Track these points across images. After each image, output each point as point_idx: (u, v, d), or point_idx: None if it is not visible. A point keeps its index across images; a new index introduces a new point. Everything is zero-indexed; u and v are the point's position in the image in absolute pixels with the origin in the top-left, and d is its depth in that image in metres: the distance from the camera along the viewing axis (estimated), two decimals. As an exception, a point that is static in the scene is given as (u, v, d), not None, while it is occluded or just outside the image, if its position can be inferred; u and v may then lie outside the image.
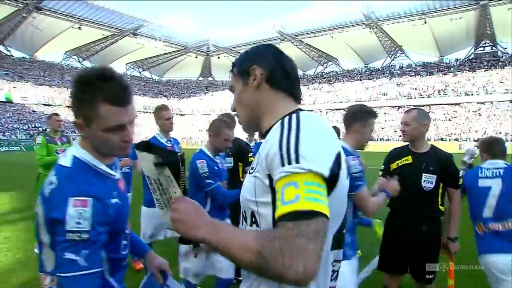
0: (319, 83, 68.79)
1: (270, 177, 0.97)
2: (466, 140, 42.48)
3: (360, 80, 65.22)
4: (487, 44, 60.03)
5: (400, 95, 57.40)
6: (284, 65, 1.14)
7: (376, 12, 56.26)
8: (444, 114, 52.04)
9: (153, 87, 78.97)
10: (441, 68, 61.03)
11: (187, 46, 73.70)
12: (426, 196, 2.77)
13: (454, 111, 52.35)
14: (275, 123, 1.05)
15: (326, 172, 0.91)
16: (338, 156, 0.96)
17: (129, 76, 78.05)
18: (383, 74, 65.00)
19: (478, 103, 52.58)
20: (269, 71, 1.13)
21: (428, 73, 60.61)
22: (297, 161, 0.90)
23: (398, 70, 65.30)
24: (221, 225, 0.95)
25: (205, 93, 77.93)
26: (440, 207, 2.87)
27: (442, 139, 44.14)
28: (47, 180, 1.23)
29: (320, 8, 63.17)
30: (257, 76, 1.13)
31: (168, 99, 71.08)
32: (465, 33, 57.07)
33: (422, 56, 65.61)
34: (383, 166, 3.09)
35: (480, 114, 50.89)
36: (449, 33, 56.57)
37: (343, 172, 0.99)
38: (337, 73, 71.13)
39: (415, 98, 55.42)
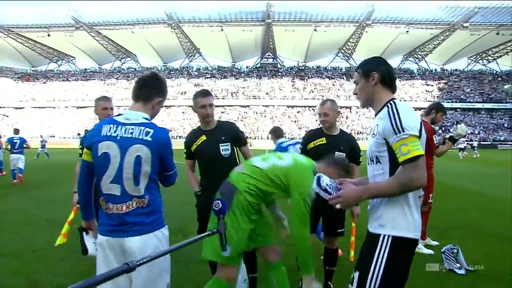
0: (117, 78, 67.82)
1: (385, 140, 1.88)
2: (255, 139, 49.67)
3: (159, 78, 67.46)
4: (270, 56, 71.22)
5: (197, 95, 61.94)
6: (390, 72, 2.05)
7: (178, 13, 58.65)
8: (237, 114, 58.87)
9: None
10: (233, 73, 68.94)
11: None
12: None
13: (245, 112, 60.63)
14: (382, 107, 1.97)
15: (417, 133, 1.80)
16: (421, 123, 1.85)
17: None
18: (182, 74, 69.38)
19: (263, 106, 61.78)
20: (382, 76, 2.02)
21: (223, 77, 67.42)
22: (403, 131, 1.79)
23: (195, 71, 70.94)
24: (367, 186, 1.94)
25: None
26: None
27: (235, 138, 49.84)
28: (135, 132, 2.07)
29: (121, 1, 61.50)
30: (375, 78, 2.01)
31: None
32: (253, 44, 66.51)
33: (217, 60, 73.15)
34: (301, 146, 3.72)
35: (265, 116, 59.91)
36: (241, 42, 64.94)
37: (423, 130, 1.87)
38: (135, 69, 71.38)
39: (211, 99, 61.14)
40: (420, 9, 54.49)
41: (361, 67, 2.10)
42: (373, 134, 1.97)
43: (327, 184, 2.03)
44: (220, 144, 3.30)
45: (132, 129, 2.09)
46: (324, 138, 3.50)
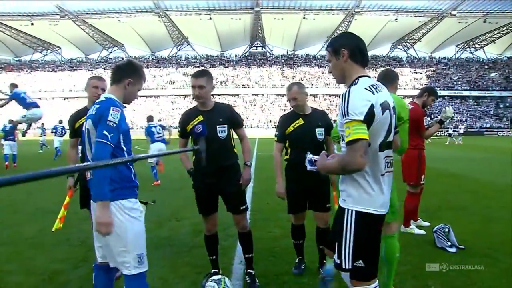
0: (104, 68, 66.28)
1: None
2: (245, 127, 49.41)
3: (147, 67, 66.44)
4: (259, 45, 70.85)
5: (186, 84, 61.58)
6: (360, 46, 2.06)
7: (165, 1, 57.73)
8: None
9: None
10: (222, 62, 68.42)
11: None
12: (319, 146, 3.49)
13: (234, 101, 60.38)
14: (350, 85, 2.00)
15: (361, 118, 1.83)
16: (372, 105, 1.87)
17: None
18: (170, 63, 68.76)
19: (253, 94, 61.59)
20: (351, 51, 2.03)
21: (211, 65, 66.86)
22: (348, 115, 1.85)
23: (184, 60, 70.23)
24: (323, 162, 2.06)
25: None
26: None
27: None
28: (92, 109, 2.34)
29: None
30: (345, 54, 2.04)
31: None
32: (242, 33, 65.98)
33: (206, 49, 72.58)
34: (278, 133, 3.69)
35: (255, 105, 59.75)
36: (229, 31, 64.44)
37: (378, 111, 1.90)
38: (122, 59, 69.24)
39: (200, 88, 60.86)
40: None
41: (331, 45, 2.13)
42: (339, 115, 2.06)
43: (313, 157, 2.21)
44: (217, 126, 3.26)
45: (92, 107, 2.40)
46: (300, 118, 3.55)
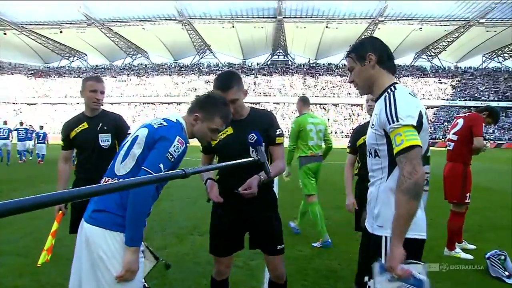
0: (128, 75, 67.84)
1: (384, 131, 1.68)
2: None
3: (170, 75, 67.79)
4: (281, 53, 70.66)
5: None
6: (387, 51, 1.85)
7: (189, 9, 58.45)
8: (247, 112, 58.49)
9: None
10: (244, 70, 68.47)
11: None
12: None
13: (255, 110, 59.90)
14: (382, 93, 1.77)
15: (413, 123, 1.59)
16: (420, 112, 1.65)
17: None
18: (192, 71, 69.24)
19: (274, 103, 61.42)
20: (379, 56, 1.82)
21: (233, 74, 66.89)
22: (398, 120, 1.59)
23: (206, 68, 70.58)
24: (393, 238, 1.59)
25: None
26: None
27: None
28: (154, 121, 2.03)
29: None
30: (372, 59, 1.81)
31: None
32: (264, 41, 65.96)
33: (228, 57, 72.97)
34: (350, 144, 3.66)
35: (276, 113, 59.39)
36: (252, 39, 64.68)
37: (425, 120, 1.68)
38: (146, 66, 71.08)
39: (222, 96, 61.37)
40: (435, 5, 53.29)
41: (354, 50, 1.88)
42: (372, 125, 1.80)
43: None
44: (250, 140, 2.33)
45: (158, 120, 2.06)
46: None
